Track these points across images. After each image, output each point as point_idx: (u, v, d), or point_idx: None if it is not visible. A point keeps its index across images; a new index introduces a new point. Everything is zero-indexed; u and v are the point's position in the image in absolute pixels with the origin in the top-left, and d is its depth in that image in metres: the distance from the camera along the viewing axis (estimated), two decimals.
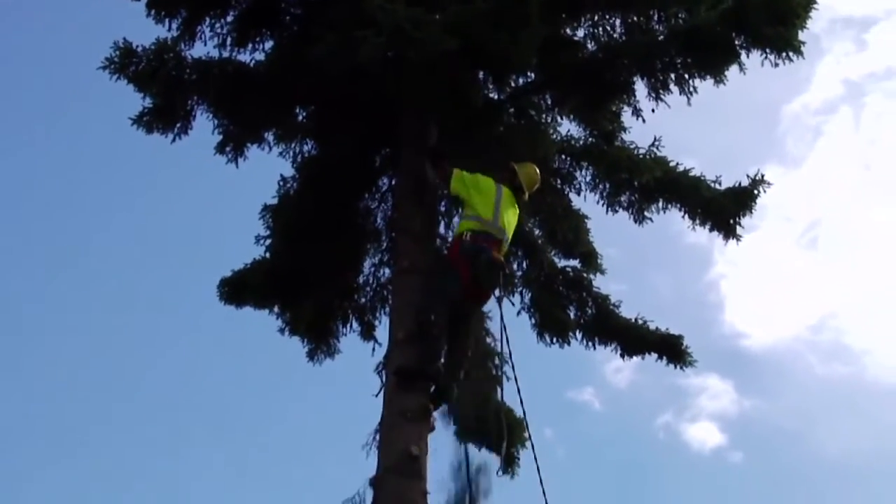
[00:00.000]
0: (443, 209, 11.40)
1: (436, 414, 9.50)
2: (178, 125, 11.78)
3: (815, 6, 10.57)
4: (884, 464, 42.88)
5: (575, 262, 12.40)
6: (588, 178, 12.09)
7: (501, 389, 10.14)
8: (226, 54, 12.04)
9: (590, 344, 12.36)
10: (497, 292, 10.12)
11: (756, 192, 11.54)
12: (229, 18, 12.03)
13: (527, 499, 9.73)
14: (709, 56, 10.87)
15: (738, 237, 11.77)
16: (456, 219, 10.63)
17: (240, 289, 12.18)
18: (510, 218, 9.94)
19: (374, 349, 12.03)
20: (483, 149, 11.43)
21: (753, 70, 10.95)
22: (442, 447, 9.51)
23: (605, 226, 12.23)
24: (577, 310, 12.30)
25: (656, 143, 11.82)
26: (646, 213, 12.01)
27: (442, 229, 11.09)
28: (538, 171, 10.48)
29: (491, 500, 9.26)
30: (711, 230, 11.84)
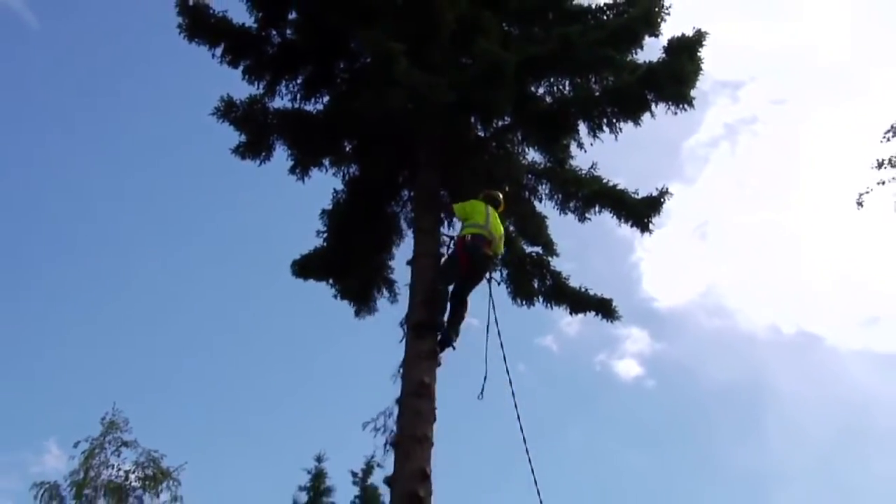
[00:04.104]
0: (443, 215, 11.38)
1: (441, 355, 9.67)
2: (263, 154, 11.87)
3: (702, 73, 10.79)
4: (750, 390, 43.22)
5: (538, 249, 12.36)
6: (547, 191, 12.08)
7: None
8: (296, 105, 12.13)
9: (549, 305, 12.28)
10: (488, 276, 10.35)
11: (663, 200, 11.57)
12: (299, 81, 12.11)
13: (506, 415, 9.88)
14: (630, 107, 10.97)
15: (650, 231, 11.76)
16: (456, 222, 10.63)
17: (305, 268, 12.21)
18: (497, 226, 10.15)
19: (398, 309, 12.03)
20: (474, 170, 11.53)
21: (661, 116, 11.09)
22: None
23: (559, 223, 12.30)
24: (539, 282, 12.25)
25: (594, 166, 11.95)
26: (587, 215, 11.94)
27: (445, 228, 11.11)
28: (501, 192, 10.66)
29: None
30: (632, 226, 11.80)
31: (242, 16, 11.87)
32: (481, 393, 9.77)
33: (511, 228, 12.07)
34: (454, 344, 9.78)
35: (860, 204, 16.66)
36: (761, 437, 42.72)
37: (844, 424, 42.89)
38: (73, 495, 18.21)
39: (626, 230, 11.87)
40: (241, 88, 11.98)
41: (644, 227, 11.76)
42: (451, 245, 10.32)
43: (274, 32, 12.03)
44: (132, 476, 18.88)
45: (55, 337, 41.59)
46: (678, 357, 45.42)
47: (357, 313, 12.56)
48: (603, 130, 11.29)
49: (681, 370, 45.52)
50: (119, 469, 18.89)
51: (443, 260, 10.32)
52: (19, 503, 39.64)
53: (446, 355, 9.73)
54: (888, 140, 16.75)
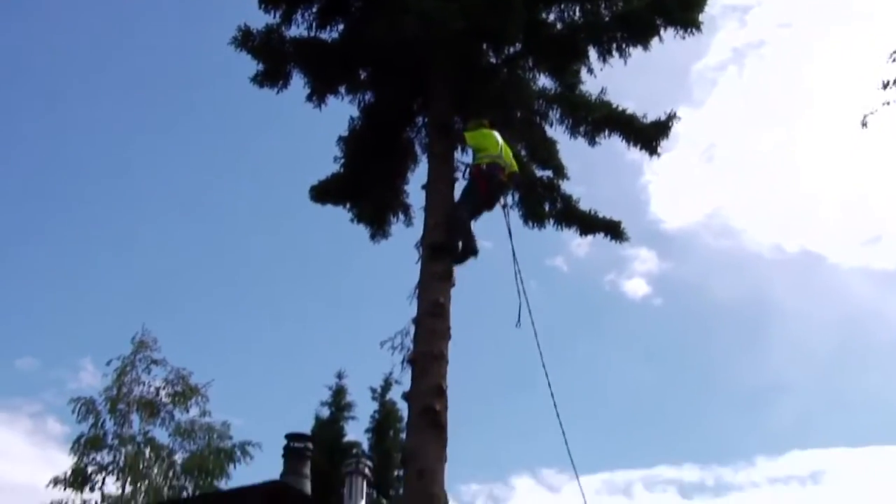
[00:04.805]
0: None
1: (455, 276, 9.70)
2: (280, 82, 11.76)
3: None
4: (754, 307, 43.45)
5: (549, 172, 12.31)
6: (558, 116, 11.94)
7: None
8: (312, 34, 11.96)
9: (559, 227, 12.31)
10: (502, 201, 10.38)
11: (671, 124, 11.46)
12: (314, 9, 11.91)
13: (517, 333, 9.94)
14: (639, 32, 10.86)
15: (659, 154, 11.72)
16: (469, 150, 10.56)
17: (324, 193, 12.24)
18: (508, 152, 10.12)
19: (414, 233, 12.03)
20: (487, 97, 11.41)
21: (669, 40, 10.98)
22: None
23: (569, 147, 12.22)
24: (550, 204, 12.24)
25: (603, 91, 11.76)
26: (597, 139, 11.82)
27: (459, 153, 10.99)
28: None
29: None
30: (641, 150, 11.71)
31: None
32: (518, 321, 9.87)
33: (523, 153, 12.03)
34: (476, 250, 9.83)
35: (864, 124, 16.46)
36: (764, 351, 43.21)
37: (844, 339, 43.35)
38: (107, 410, 18.64)
39: (635, 154, 11.85)
40: (258, 18, 11.85)
41: (652, 151, 11.67)
42: (466, 172, 10.28)
43: None
44: (162, 392, 19.27)
45: (87, 261, 42.05)
46: (685, 276, 45.63)
47: (372, 237, 12.61)
48: (612, 55, 11.17)
49: (687, 289, 45.80)
50: (150, 386, 19.28)
51: (461, 189, 10.28)
52: (60, 416, 40.64)
53: (464, 271, 9.77)
54: (894, 61, 16.49)
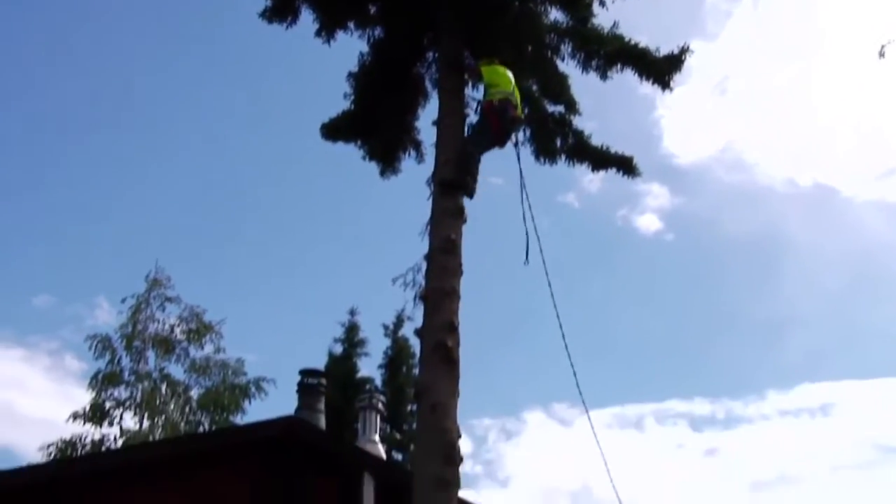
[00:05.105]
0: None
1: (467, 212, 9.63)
2: (289, 18, 11.64)
3: None
4: (767, 241, 43.34)
5: (560, 108, 12.11)
6: (569, 50, 11.71)
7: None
8: None
9: (571, 163, 12.15)
10: (514, 138, 10.22)
11: (684, 57, 11.27)
12: None
13: (528, 270, 9.91)
14: None
15: (671, 88, 11.53)
16: (480, 85, 10.40)
17: (334, 130, 12.16)
18: (518, 94, 9.96)
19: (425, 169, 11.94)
20: (498, 31, 11.20)
21: None
22: None
23: (581, 82, 12.03)
24: (562, 140, 12.07)
25: (616, 24, 11.54)
26: (609, 73, 11.61)
27: (469, 89, 10.86)
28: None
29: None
30: (654, 84, 11.52)
31: None
32: (526, 259, 9.83)
33: (534, 88, 11.86)
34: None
35: (882, 55, 16.13)
36: (777, 285, 43.30)
37: (857, 272, 43.31)
38: (123, 347, 18.84)
39: (648, 88, 11.69)
40: None
41: (665, 85, 11.49)
42: (478, 108, 10.15)
43: None
44: (177, 329, 19.44)
45: (100, 199, 42.16)
46: (697, 211, 45.52)
47: (382, 173, 12.51)
48: None
49: (700, 223, 45.74)
50: (164, 323, 19.45)
51: (472, 125, 10.17)
52: (77, 353, 41.10)
53: (477, 208, 9.71)
54: None
